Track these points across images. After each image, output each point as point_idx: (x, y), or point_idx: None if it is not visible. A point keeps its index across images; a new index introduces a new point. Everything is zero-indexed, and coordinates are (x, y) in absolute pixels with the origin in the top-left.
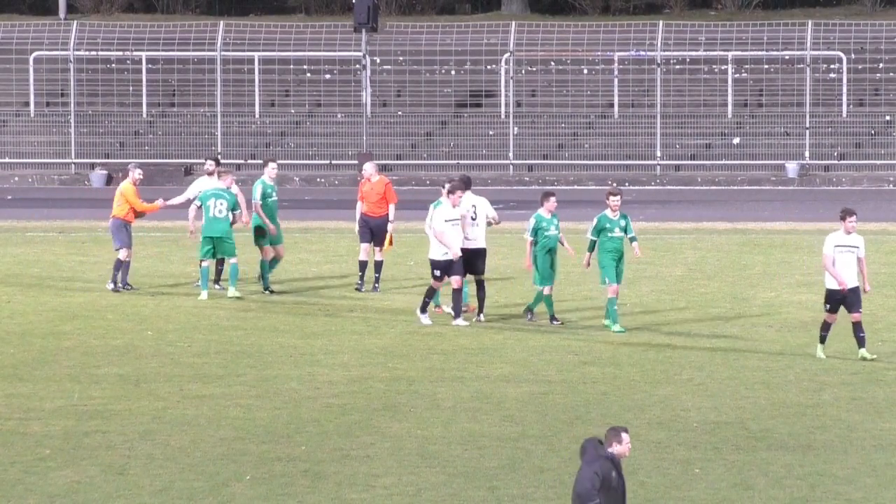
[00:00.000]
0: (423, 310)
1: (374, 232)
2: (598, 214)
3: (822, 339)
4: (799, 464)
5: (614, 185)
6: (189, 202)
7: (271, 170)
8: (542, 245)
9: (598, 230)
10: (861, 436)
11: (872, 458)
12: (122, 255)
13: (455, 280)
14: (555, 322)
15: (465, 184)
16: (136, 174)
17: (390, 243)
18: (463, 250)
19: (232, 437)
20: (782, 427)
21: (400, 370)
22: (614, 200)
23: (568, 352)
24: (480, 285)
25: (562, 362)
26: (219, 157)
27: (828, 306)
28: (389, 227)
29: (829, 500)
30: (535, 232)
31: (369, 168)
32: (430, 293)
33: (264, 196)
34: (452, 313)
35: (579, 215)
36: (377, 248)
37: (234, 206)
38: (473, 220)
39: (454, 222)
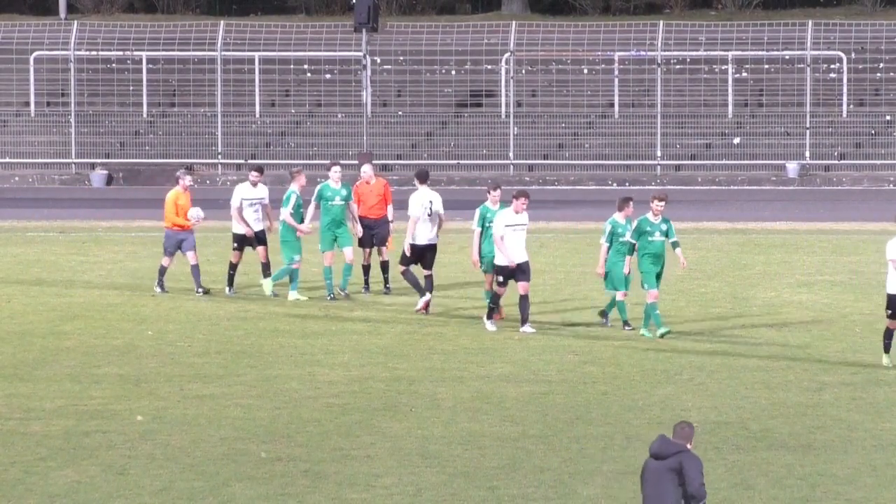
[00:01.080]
0: (489, 316)
1: (375, 234)
2: (640, 217)
3: (887, 348)
4: (799, 464)
5: (660, 190)
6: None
7: (334, 173)
8: (616, 250)
9: (639, 233)
10: (861, 436)
11: (873, 458)
12: (164, 261)
13: (522, 286)
14: (627, 328)
15: (423, 177)
16: (186, 181)
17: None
18: (416, 245)
19: (232, 437)
20: (782, 427)
21: (400, 370)
22: (658, 205)
23: (568, 352)
24: (429, 279)
25: (562, 362)
26: (262, 166)
27: (889, 312)
28: (391, 227)
29: (830, 500)
30: (610, 238)
31: (369, 170)
32: (495, 300)
33: (323, 198)
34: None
35: (579, 215)
36: (382, 249)
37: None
38: (429, 215)
39: (516, 227)
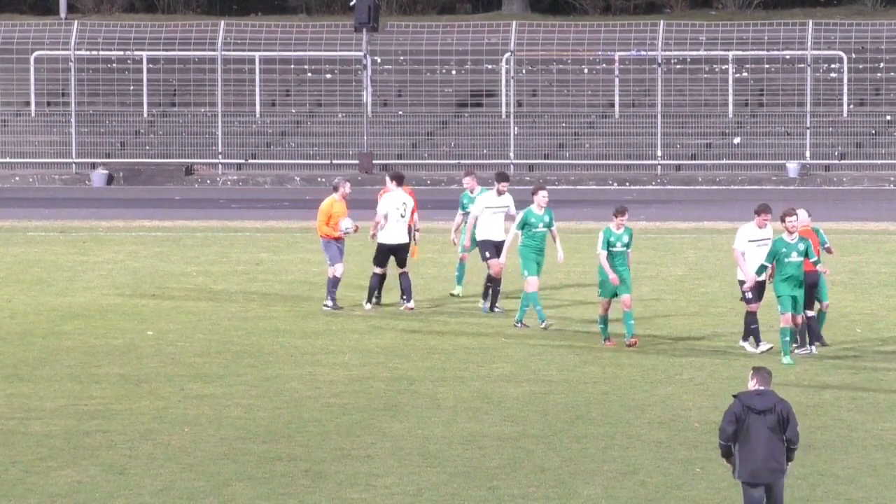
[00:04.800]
0: (757, 338)
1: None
2: (775, 238)
3: None
4: (800, 463)
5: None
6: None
7: (542, 198)
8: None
9: (774, 255)
10: (862, 435)
11: (873, 458)
12: (336, 271)
13: (754, 305)
14: (819, 345)
15: (398, 179)
16: (346, 189)
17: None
18: (387, 245)
19: (233, 437)
20: None
21: (401, 370)
22: (791, 222)
23: (569, 351)
24: (404, 276)
25: (562, 362)
26: (509, 174)
27: None
28: (417, 235)
29: (830, 499)
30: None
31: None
32: (752, 319)
33: (528, 224)
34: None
35: (579, 215)
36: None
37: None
38: (402, 216)
39: (760, 243)
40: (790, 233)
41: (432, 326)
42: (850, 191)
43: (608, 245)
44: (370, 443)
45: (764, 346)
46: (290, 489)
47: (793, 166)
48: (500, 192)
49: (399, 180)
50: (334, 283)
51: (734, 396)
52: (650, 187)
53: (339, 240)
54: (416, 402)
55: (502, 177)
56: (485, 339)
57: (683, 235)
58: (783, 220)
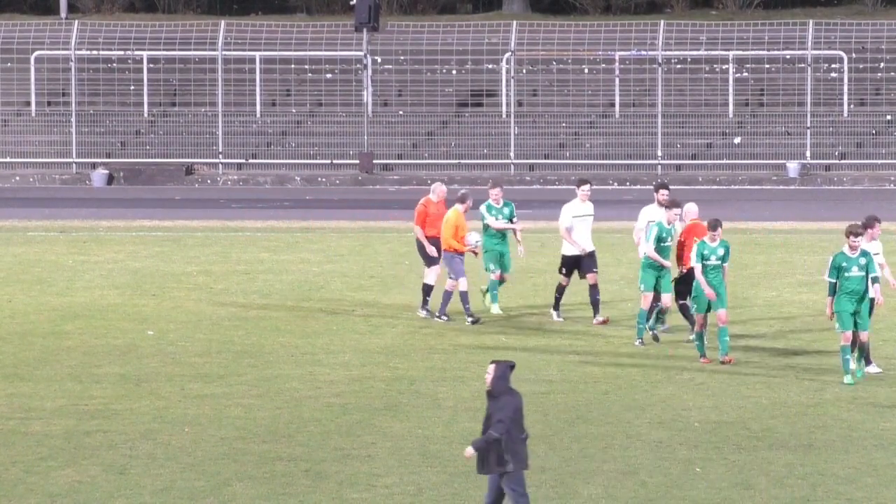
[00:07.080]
0: (846, 369)
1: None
2: (835, 253)
3: None
4: (800, 463)
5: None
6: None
7: (673, 214)
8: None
9: (836, 270)
10: (862, 435)
11: (873, 458)
12: (461, 285)
13: (864, 335)
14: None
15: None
16: (470, 202)
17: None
18: (570, 255)
19: (233, 437)
20: (783, 426)
21: (401, 369)
22: (854, 241)
23: (569, 351)
24: (593, 288)
25: (563, 362)
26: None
27: None
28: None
29: (831, 499)
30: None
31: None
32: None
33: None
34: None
35: None
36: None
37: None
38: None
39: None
40: (853, 249)
41: (432, 326)
42: (851, 191)
43: (702, 258)
44: (370, 443)
45: (849, 379)
46: (291, 489)
47: (793, 166)
48: (660, 204)
49: (581, 184)
50: (448, 296)
51: (515, 389)
52: (651, 187)
53: (461, 253)
54: (416, 402)
55: (662, 185)
56: (485, 340)
57: None
58: (848, 237)
